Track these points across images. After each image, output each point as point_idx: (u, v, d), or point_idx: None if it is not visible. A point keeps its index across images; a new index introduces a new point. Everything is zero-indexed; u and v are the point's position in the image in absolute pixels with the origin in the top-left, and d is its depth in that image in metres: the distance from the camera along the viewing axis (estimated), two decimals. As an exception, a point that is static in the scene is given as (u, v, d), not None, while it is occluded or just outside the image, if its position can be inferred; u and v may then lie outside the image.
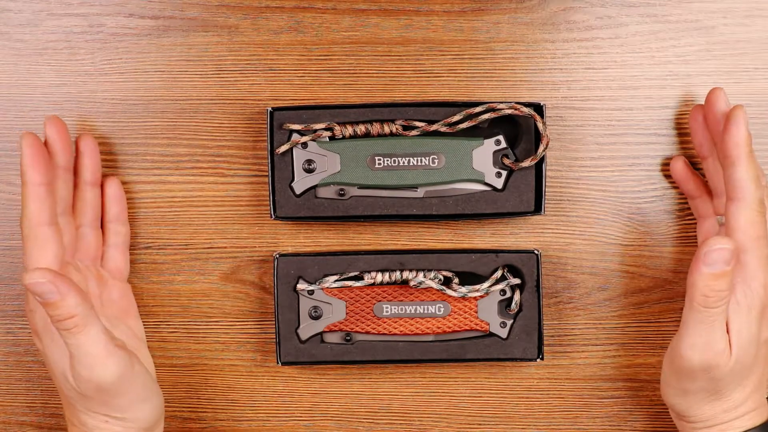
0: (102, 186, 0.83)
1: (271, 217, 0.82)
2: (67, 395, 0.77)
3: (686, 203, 0.85)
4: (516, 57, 0.85)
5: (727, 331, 0.76)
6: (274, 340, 0.85)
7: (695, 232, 0.85)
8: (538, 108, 0.82)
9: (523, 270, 0.84)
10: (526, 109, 0.81)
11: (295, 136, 0.82)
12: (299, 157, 0.82)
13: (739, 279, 0.75)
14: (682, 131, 0.85)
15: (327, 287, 0.83)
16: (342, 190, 0.83)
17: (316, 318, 0.84)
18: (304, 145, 0.82)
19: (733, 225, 0.75)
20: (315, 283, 0.83)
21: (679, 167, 0.84)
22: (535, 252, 0.84)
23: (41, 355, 0.78)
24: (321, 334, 0.84)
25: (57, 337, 0.75)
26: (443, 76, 0.85)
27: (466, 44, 0.85)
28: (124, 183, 0.85)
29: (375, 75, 0.85)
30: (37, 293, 0.70)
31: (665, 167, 0.85)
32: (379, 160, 0.82)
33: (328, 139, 0.82)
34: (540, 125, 0.81)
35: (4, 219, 0.86)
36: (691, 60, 0.85)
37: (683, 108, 0.85)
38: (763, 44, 0.85)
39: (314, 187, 0.83)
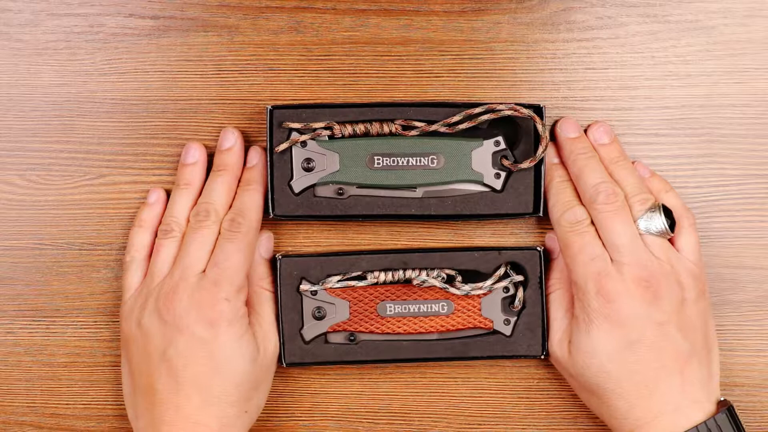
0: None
1: (270, 215, 0.82)
2: (234, 383, 0.78)
3: (685, 202, 0.85)
4: (516, 57, 0.85)
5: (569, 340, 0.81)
6: (278, 341, 0.85)
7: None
8: (538, 109, 0.82)
9: (526, 267, 0.84)
10: (525, 111, 0.81)
11: (294, 135, 0.82)
12: (298, 155, 0.82)
13: (575, 295, 0.80)
14: (682, 131, 0.85)
15: (330, 287, 0.83)
16: (341, 189, 0.83)
17: (320, 318, 0.83)
18: (304, 143, 0.82)
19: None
20: (318, 284, 0.83)
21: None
22: (538, 249, 0.84)
23: (195, 350, 0.78)
24: (325, 334, 0.84)
25: (246, 326, 0.80)
26: (443, 77, 0.85)
27: (466, 44, 0.85)
28: (124, 183, 0.85)
29: (375, 75, 0.85)
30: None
31: (665, 167, 0.85)
32: (378, 159, 0.82)
33: (327, 138, 0.82)
34: (539, 127, 0.81)
35: (4, 219, 0.85)
36: (691, 60, 0.85)
37: (683, 108, 0.85)
38: (763, 44, 0.85)
39: (313, 186, 0.83)
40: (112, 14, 0.85)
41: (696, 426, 0.77)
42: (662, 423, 0.78)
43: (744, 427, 0.78)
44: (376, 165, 0.82)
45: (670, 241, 0.81)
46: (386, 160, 0.82)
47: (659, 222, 0.80)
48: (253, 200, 0.81)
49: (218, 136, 0.84)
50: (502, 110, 0.81)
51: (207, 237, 0.80)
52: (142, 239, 0.83)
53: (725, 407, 0.78)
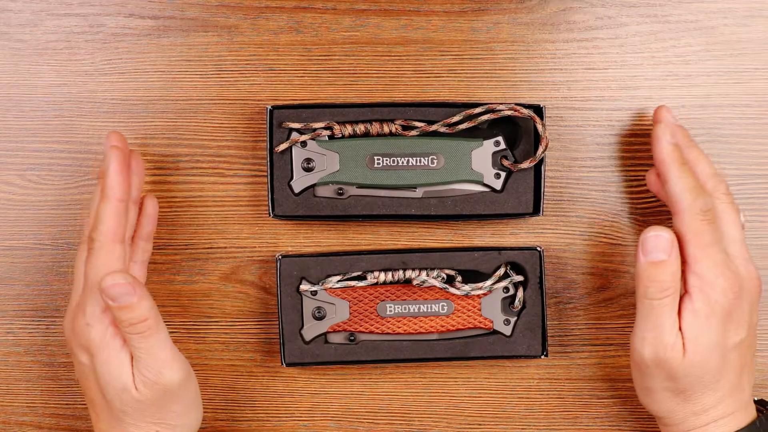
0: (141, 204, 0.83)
1: (270, 215, 0.82)
2: (119, 409, 0.76)
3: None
4: (516, 57, 0.85)
5: (680, 330, 0.76)
6: (276, 340, 0.85)
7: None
8: (538, 109, 0.82)
9: (526, 267, 0.84)
10: (525, 111, 0.81)
11: (294, 135, 0.82)
12: (298, 155, 0.82)
13: (696, 288, 0.76)
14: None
15: (330, 287, 0.83)
16: (341, 189, 0.83)
17: (320, 318, 0.83)
18: (304, 143, 0.82)
19: (682, 238, 0.76)
20: (318, 284, 0.83)
21: (652, 180, 0.83)
22: (538, 249, 0.84)
23: (85, 373, 0.77)
24: (325, 334, 0.84)
25: (116, 350, 0.75)
26: (443, 76, 0.85)
27: (466, 44, 0.85)
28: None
29: (375, 75, 0.85)
30: (114, 296, 0.71)
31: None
32: (378, 159, 0.82)
33: (327, 138, 0.82)
34: (539, 127, 0.81)
35: (4, 219, 0.85)
36: (691, 60, 0.85)
37: (683, 108, 0.85)
38: (763, 44, 0.85)
39: (313, 186, 0.83)
40: (112, 14, 0.85)
41: (755, 420, 0.78)
42: (737, 418, 0.78)
43: None
44: (376, 165, 0.82)
45: None
46: (386, 160, 0.82)
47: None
48: (103, 210, 0.75)
49: (218, 136, 0.84)
50: (502, 110, 0.81)
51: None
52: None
53: (764, 402, 0.80)
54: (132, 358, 0.75)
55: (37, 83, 0.85)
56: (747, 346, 0.78)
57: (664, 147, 0.78)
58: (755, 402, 0.80)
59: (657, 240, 0.74)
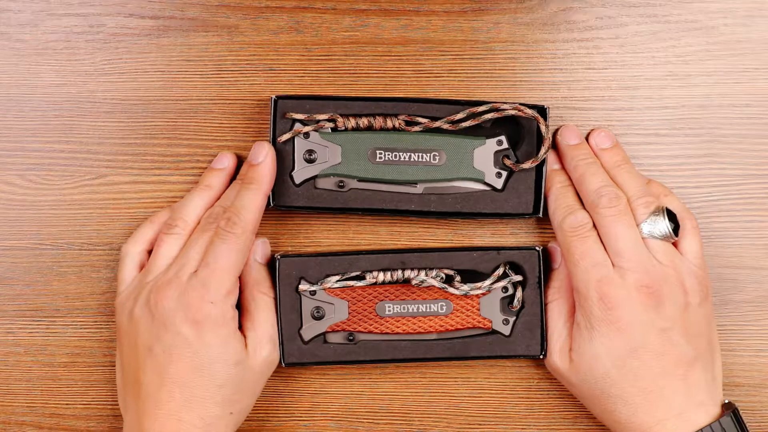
0: None
1: (270, 205, 0.82)
2: (219, 384, 0.78)
3: (685, 203, 0.85)
4: (516, 57, 0.85)
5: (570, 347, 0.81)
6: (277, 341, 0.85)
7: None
8: (542, 110, 0.82)
9: (525, 267, 0.84)
10: (529, 111, 0.81)
11: (297, 126, 0.82)
12: (300, 146, 0.82)
13: (577, 302, 0.80)
14: (682, 131, 0.85)
15: (329, 287, 0.83)
16: (342, 181, 0.83)
17: (319, 318, 0.83)
18: (306, 135, 0.82)
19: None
20: (317, 284, 0.83)
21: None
22: (537, 249, 0.84)
23: (179, 348, 0.77)
24: (324, 334, 0.84)
25: (233, 329, 0.79)
26: (443, 76, 0.85)
27: (466, 44, 0.85)
28: (124, 183, 0.85)
29: (375, 75, 0.85)
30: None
31: (665, 167, 0.85)
32: (380, 153, 0.82)
33: (330, 131, 0.82)
34: (543, 127, 0.81)
35: (4, 219, 0.85)
36: (691, 60, 0.85)
37: (683, 108, 0.85)
38: (763, 44, 0.85)
39: (314, 178, 0.83)
40: (112, 14, 0.85)
41: (701, 429, 0.77)
42: (666, 428, 0.77)
43: (747, 428, 0.78)
44: (377, 159, 0.82)
45: (674, 244, 0.81)
46: (388, 154, 0.82)
47: (663, 225, 0.79)
48: (252, 200, 0.80)
49: (218, 136, 0.84)
50: (506, 109, 0.81)
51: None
52: (144, 233, 0.83)
53: (730, 410, 0.78)
54: (245, 337, 0.80)
55: (37, 83, 0.85)
56: (669, 348, 0.78)
57: (548, 174, 0.83)
58: (724, 405, 0.79)
59: (552, 252, 0.86)
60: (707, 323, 0.80)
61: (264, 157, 0.80)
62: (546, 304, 0.84)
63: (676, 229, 0.80)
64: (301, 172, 0.83)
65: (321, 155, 0.82)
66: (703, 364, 0.79)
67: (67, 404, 0.87)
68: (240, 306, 0.82)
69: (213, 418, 0.78)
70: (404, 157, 0.82)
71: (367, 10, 0.85)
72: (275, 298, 0.83)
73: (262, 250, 0.84)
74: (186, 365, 0.77)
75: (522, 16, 0.85)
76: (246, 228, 0.79)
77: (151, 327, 0.78)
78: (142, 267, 0.83)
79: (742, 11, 0.85)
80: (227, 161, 0.84)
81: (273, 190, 0.82)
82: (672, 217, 0.80)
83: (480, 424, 0.88)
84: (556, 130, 0.84)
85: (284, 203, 0.83)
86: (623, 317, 0.78)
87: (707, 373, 0.79)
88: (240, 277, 0.81)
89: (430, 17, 0.85)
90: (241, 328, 0.81)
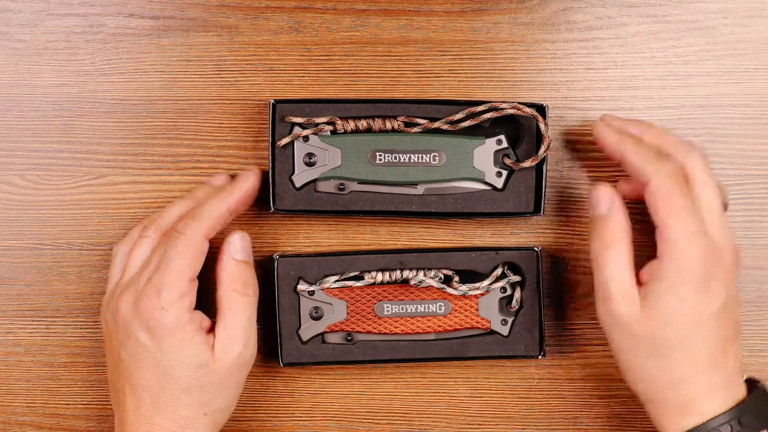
0: None
1: (271, 209, 0.82)
2: (184, 387, 0.77)
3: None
4: (516, 57, 0.85)
5: (641, 292, 0.76)
6: (276, 341, 0.85)
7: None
8: (541, 109, 0.82)
9: (523, 267, 0.84)
10: (528, 110, 0.81)
11: (296, 129, 0.82)
12: (300, 150, 0.82)
13: (666, 254, 0.75)
14: (682, 131, 0.85)
15: (327, 287, 0.83)
16: (342, 184, 0.83)
17: (317, 318, 0.84)
18: (306, 138, 0.82)
19: (653, 207, 0.76)
20: (315, 284, 0.83)
21: (624, 188, 0.83)
22: (535, 249, 0.84)
23: (140, 355, 0.77)
24: (322, 334, 0.84)
25: (191, 332, 0.77)
26: (443, 76, 0.85)
27: (466, 44, 0.85)
28: (124, 183, 0.85)
29: (375, 75, 0.85)
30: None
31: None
32: (380, 155, 0.82)
33: (329, 134, 0.82)
34: (542, 126, 0.81)
35: (4, 219, 0.85)
36: (691, 60, 0.85)
37: (683, 108, 0.85)
38: (763, 44, 0.85)
39: (314, 181, 0.83)
40: (112, 14, 0.85)
41: (742, 400, 0.76)
42: (718, 396, 0.76)
43: None
44: (377, 161, 0.82)
45: None
46: (388, 156, 0.82)
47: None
48: (215, 207, 0.79)
49: (218, 136, 0.84)
50: (505, 109, 0.81)
51: None
52: (134, 235, 0.83)
53: (754, 381, 0.78)
54: (214, 337, 0.79)
55: (37, 83, 0.85)
56: (727, 317, 0.76)
57: (609, 138, 0.79)
58: (745, 381, 0.78)
59: (596, 194, 0.77)
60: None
61: (247, 181, 0.81)
62: (605, 249, 0.77)
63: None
64: (301, 175, 0.83)
65: (321, 158, 0.82)
66: (740, 337, 0.79)
67: (67, 404, 0.87)
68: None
69: (185, 420, 0.78)
70: (404, 159, 0.82)
71: (367, 10, 0.85)
72: (256, 296, 0.81)
73: (240, 245, 0.82)
74: (149, 371, 0.77)
75: (522, 16, 0.85)
76: (198, 231, 0.78)
77: (117, 333, 0.79)
78: None
79: (742, 11, 0.84)
80: (219, 182, 0.84)
81: (273, 193, 0.82)
82: None
83: (480, 424, 0.88)
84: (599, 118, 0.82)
85: (285, 207, 0.83)
86: (715, 276, 0.75)
87: (741, 347, 0.79)
88: (215, 275, 0.81)
89: (430, 17, 0.85)
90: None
